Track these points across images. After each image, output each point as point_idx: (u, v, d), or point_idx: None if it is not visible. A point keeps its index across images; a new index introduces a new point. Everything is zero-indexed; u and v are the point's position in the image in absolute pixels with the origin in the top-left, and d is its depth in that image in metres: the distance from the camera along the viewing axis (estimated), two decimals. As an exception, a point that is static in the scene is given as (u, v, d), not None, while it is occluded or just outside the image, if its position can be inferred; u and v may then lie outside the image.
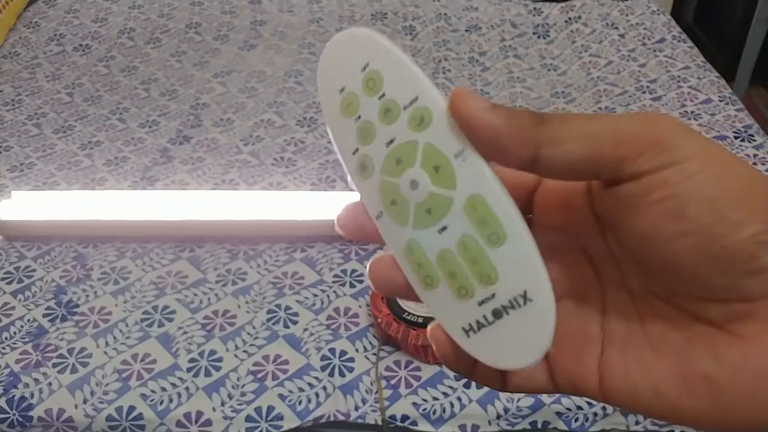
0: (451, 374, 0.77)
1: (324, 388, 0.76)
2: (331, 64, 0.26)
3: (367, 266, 0.26)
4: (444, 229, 0.24)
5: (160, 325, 0.84)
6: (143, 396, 0.75)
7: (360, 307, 0.85)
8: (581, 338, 0.25)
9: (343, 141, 0.26)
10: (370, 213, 0.26)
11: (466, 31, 1.56)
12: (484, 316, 0.24)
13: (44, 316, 0.86)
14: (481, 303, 0.24)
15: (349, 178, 0.26)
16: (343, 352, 0.80)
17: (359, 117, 0.25)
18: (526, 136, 0.22)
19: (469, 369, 0.26)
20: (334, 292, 0.88)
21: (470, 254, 0.24)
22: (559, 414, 0.74)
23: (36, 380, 0.77)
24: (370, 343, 0.81)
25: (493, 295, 0.24)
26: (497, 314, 0.24)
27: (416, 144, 0.24)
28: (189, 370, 0.78)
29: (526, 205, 0.27)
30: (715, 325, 0.22)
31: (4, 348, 0.82)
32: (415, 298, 0.26)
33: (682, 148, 0.21)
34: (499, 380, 0.26)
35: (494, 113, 0.23)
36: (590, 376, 0.25)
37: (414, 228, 0.25)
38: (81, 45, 1.55)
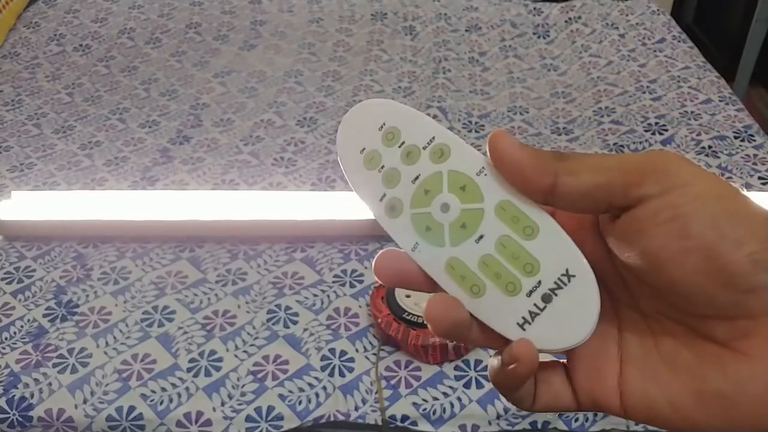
0: (452, 374, 0.77)
1: (324, 388, 0.76)
2: (350, 130, 0.29)
3: (425, 307, 0.27)
4: (480, 237, 0.26)
5: (160, 325, 0.84)
6: (143, 396, 0.75)
7: (360, 307, 0.85)
8: (601, 358, 0.27)
9: (369, 192, 0.28)
10: (405, 248, 0.28)
11: (466, 31, 1.56)
12: (536, 305, 0.26)
13: (44, 316, 0.86)
14: (530, 293, 0.26)
15: (380, 223, 0.28)
16: (343, 352, 0.80)
17: (383, 167, 0.28)
18: (547, 166, 0.25)
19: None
20: (334, 292, 0.88)
21: (510, 251, 0.26)
22: (559, 414, 0.74)
23: (36, 380, 0.77)
24: (370, 343, 0.81)
25: (540, 282, 0.26)
26: (547, 299, 0.26)
27: (441, 173, 0.27)
28: (189, 370, 0.78)
29: None
30: (721, 343, 0.24)
31: (4, 348, 0.82)
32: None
33: (683, 174, 0.24)
34: (530, 400, 0.28)
35: (522, 148, 0.26)
36: (611, 393, 0.26)
37: (452, 245, 0.27)
38: (81, 45, 1.55)
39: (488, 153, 0.26)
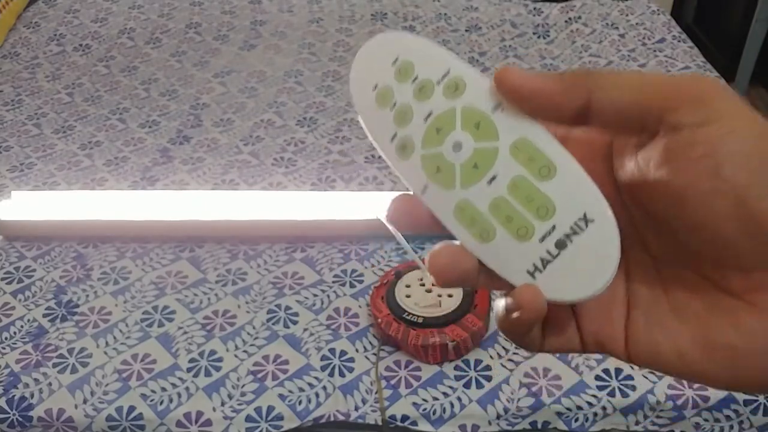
0: (452, 374, 0.77)
1: (324, 388, 0.76)
2: (362, 66, 0.28)
3: (428, 258, 0.25)
4: (493, 178, 0.25)
5: (160, 325, 0.84)
6: (143, 396, 0.75)
7: (360, 307, 0.85)
8: (608, 301, 0.26)
9: (380, 132, 0.27)
10: (415, 191, 0.26)
11: (466, 31, 1.56)
12: (548, 251, 0.24)
13: (44, 316, 0.86)
14: (542, 239, 0.24)
15: (390, 164, 0.27)
16: (343, 352, 0.80)
17: (395, 104, 0.26)
18: (578, 84, 0.24)
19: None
20: (334, 292, 0.88)
21: (524, 193, 0.24)
22: (559, 414, 0.74)
23: (36, 380, 0.77)
24: (370, 343, 0.81)
25: (554, 227, 0.24)
26: (561, 245, 0.24)
27: (454, 110, 0.25)
28: (189, 370, 0.78)
29: None
30: (735, 294, 0.23)
31: (4, 348, 0.82)
32: (475, 283, 0.26)
33: (723, 106, 0.22)
34: (540, 342, 0.26)
35: (543, 76, 0.24)
36: (617, 337, 0.25)
37: (462, 187, 0.25)
38: (81, 45, 1.55)
39: (502, 94, 0.25)
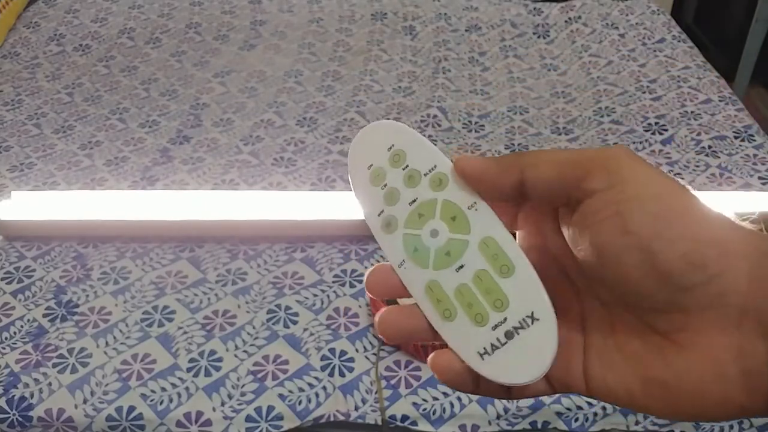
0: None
1: (324, 388, 0.76)
2: (361, 146, 0.32)
3: (377, 317, 0.29)
4: (461, 267, 0.28)
5: (160, 325, 0.84)
6: (143, 396, 0.75)
7: (360, 307, 0.85)
8: (567, 348, 0.28)
9: (370, 206, 0.31)
10: (393, 263, 0.30)
11: (466, 31, 1.56)
12: (498, 339, 0.28)
13: (44, 316, 0.86)
14: (495, 327, 0.28)
15: (375, 235, 0.31)
16: (343, 352, 0.80)
17: (385, 185, 0.30)
18: (511, 164, 0.27)
19: (474, 387, 0.29)
20: (334, 292, 0.88)
21: (485, 285, 0.28)
22: (559, 414, 0.74)
23: (36, 380, 0.77)
24: (370, 343, 0.81)
25: (505, 319, 0.28)
26: (509, 335, 0.28)
27: (435, 201, 0.29)
28: (189, 370, 0.78)
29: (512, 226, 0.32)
30: (663, 334, 0.25)
31: (4, 348, 0.82)
32: (426, 339, 0.29)
33: (627, 171, 0.25)
34: (504, 390, 0.29)
35: (486, 159, 0.28)
36: (578, 379, 0.28)
37: (434, 269, 0.29)
38: (81, 45, 1.55)
39: (455, 174, 0.29)
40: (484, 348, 0.28)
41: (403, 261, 0.29)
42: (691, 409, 0.25)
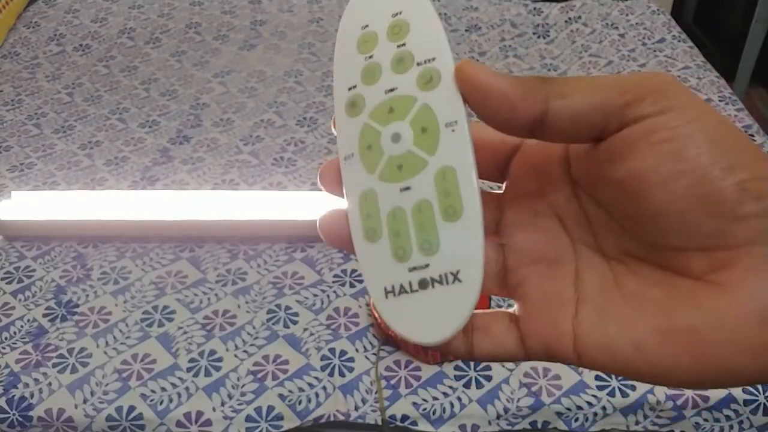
0: (452, 374, 0.77)
1: (324, 388, 0.76)
2: (365, 1, 0.26)
3: (318, 219, 0.26)
4: (407, 188, 0.24)
5: (160, 325, 0.84)
6: (143, 396, 0.75)
7: (360, 307, 0.85)
8: (554, 301, 0.25)
9: (345, 74, 0.26)
10: (342, 152, 0.26)
11: (466, 31, 1.56)
12: (410, 282, 0.24)
13: (44, 316, 0.86)
14: (412, 269, 0.24)
15: (335, 113, 0.26)
16: (343, 352, 0.80)
17: (371, 57, 0.25)
18: (534, 91, 0.23)
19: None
20: (334, 292, 0.88)
21: (422, 219, 0.24)
22: (559, 414, 0.74)
23: (36, 380, 0.77)
24: (370, 343, 0.81)
25: (427, 266, 0.24)
26: (423, 284, 0.24)
27: (414, 100, 0.24)
28: (189, 370, 0.78)
29: (502, 171, 0.28)
30: (696, 276, 0.23)
31: (4, 348, 0.82)
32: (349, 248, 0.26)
33: (682, 97, 0.23)
34: (466, 348, 0.26)
35: (501, 76, 0.23)
36: (564, 336, 0.24)
37: (379, 179, 0.25)
38: (81, 45, 1.55)
39: (459, 85, 0.24)
40: (393, 286, 0.24)
41: (352, 155, 0.25)
42: (720, 362, 0.22)
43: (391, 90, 0.25)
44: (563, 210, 0.26)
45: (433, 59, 0.24)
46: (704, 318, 0.22)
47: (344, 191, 0.25)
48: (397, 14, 0.25)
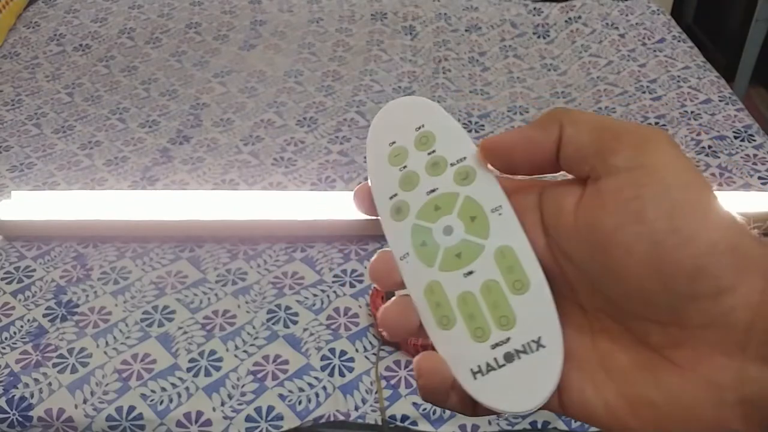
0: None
1: (324, 388, 0.76)
2: (387, 119, 0.29)
3: (380, 311, 0.27)
4: (470, 273, 0.26)
5: (160, 325, 0.84)
6: (143, 396, 0.75)
7: (360, 307, 0.85)
8: None
9: (383, 185, 0.28)
10: (396, 253, 0.27)
11: (466, 31, 1.56)
12: (495, 359, 0.25)
13: (44, 316, 0.86)
14: (494, 346, 0.25)
15: (381, 220, 0.28)
16: (343, 352, 0.80)
17: (405, 167, 0.27)
18: (552, 120, 0.24)
19: (445, 400, 0.26)
20: (334, 292, 0.88)
21: (493, 298, 0.25)
22: (559, 414, 0.74)
23: (36, 380, 0.77)
24: (370, 343, 0.81)
25: (508, 339, 0.25)
26: (509, 358, 0.25)
27: (457, 196, 0.26)
28: (189, 370, 0.78)
29: None
30: (655, 349, 0.23)
31: (4, 348, 0.82)
32: (420, 339, 0.26)
33: (659, 154, 0.23)
34: (471, 407, 0.26)
35: (518, 129, 0.25)
36: None
37: (440, 270, 0.26)
38: (81, 45, 1.55)
39: (485, 157, 0.26)
40: (479, 366, 0.25)
41: (407, 254, 0.26)
42: None
43: (433, 191, 0.27)
44: (542, 260, 0.26)
45: (464, 158, 0.27)
46: (663, 396, 0.23)
47: (407, 287, 0.27)
48: (420, 127, 0.28)
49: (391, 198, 0.27)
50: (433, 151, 0.27)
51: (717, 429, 0.22)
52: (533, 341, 0.25)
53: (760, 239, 0.22)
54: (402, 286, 0.27)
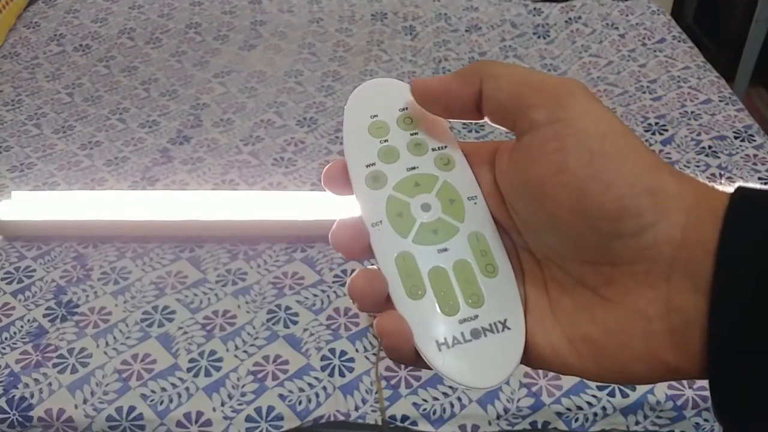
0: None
1: (324, 388, 0.76)
2: (371, 93, 0.29)
3: (348, 282, 0.27)
4: (445, 250, 0.27)
5: (160, 325, 0.84)
6: (143, 396, 0.75)
7: (360, 307, 0.85)
8: None
9: (361, 154, 0.28)
10: (368, 220, 0.27)
11: (466, 31, 1.56)
12: (462, 333, 0.26)
13: (44, 316, 0.86)
14: (462, 321, 0.26)
15: (353, 185, 0.28)
16: (343, 352, 0.80)
17: (386, 141, 0.28)
18: (473, 74, 0.26)
19: (414, 360, 0.26)
20: (334, 292, 0.88)
21: (465, 276, 0.26)
22: (559, 414, 0.74)
23: (36, 380, 0.77)
24: (370, 343, 0.81)
25: (476, 317, 0.26)
26: (475, 334, 0.26)
27: (437, 178, 0.28)
28: (189, 370, 0.78)
29: None
30: (592, 289, 0.24)
31: (4, 348, 0.82)
32: (381, 309, 0.26)
33: (577, 107, 0.24)
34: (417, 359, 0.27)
35: (444, 76, 0.27)
36: None
37: (414, 242, 0.27)
38: (81, 45, 1.55)
39: (416, 96, 0.27)
40: (445, 338, 0.25)
41: (381, 221, 0.27)
42: (617, 368, 0.24)
43: (413, 168, 0.28)
44: (498, 216, 0.28)
45: (445, 147, 0.28)
46: (598, 330, 0.24)
47: (376, 255, 0.27)
48: (404, 109, 0.29)
49: (368, 166, 0.28)
50: (416, 134, 0.28)
51: (649, 359, 0.23)
52: (499, 322, 0.26)
53: (679, 177, 0.23)
54: (367, 253, 0.27)
